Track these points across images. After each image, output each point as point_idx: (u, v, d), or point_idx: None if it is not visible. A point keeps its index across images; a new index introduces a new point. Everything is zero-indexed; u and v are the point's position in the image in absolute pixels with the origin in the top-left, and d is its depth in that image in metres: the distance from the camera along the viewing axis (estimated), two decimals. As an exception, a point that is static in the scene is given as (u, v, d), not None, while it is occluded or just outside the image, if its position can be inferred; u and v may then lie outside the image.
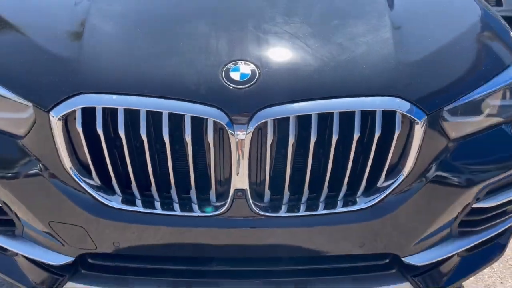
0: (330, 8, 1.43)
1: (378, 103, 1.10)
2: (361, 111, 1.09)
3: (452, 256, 1.37)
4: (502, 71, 1.30)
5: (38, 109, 1.11)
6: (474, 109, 1.25)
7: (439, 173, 1.21)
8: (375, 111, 1.09)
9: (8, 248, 1.30)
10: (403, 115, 1.11)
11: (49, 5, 1.42)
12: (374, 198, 1.18)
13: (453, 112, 1.21)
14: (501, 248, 1.49)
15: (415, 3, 1.52)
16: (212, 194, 1.15)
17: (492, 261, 1.50)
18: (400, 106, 1.10)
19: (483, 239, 1.38)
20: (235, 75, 1.09)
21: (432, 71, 1.21)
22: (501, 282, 1.86)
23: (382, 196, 1.17)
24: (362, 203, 1.18)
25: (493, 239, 1.46)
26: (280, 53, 1.18)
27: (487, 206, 1.31)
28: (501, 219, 1.39)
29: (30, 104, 1.12)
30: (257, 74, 1.09)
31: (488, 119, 1.27)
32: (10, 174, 1.19)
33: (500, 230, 1.42)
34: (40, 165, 1.15)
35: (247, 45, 1.16)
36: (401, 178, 1.17)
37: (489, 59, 1.32)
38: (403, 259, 1.28)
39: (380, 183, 1.18)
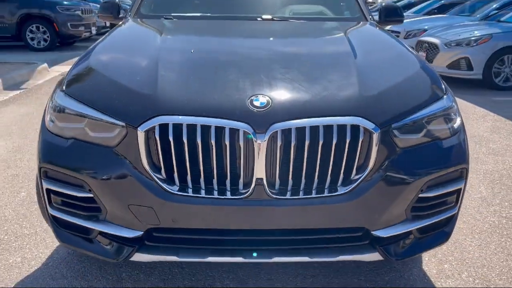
0: (314, 61, 2.11)
1: (349, 120, 1.70)
2: (338, 126, 1.69)
3: (409, 234, 1.92)
4: (432, 103, 1.92)
5: (130, 126, 1.70)
6: (414, 129, 1.85)
7: (392, 169, 1.78)
8: (346, 125, 1.70)
9: (95, 228, 1.84)
10: (364, 128, 1.71)
11: (132, 58, 2.09)
12: (349, 186, 1.75)
13: (399, 130, 1.81)
14: (446, 235, 2.03)
15: (372, 54, 2.21)
16: (240, 183, 1.72)
17: (439, 244, 2.03)
18: (362, 122, 1.71)
19: (430, 222, 1.93)
20: (257, 103, 1.70)
21: (384, 101, 1.82)
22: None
23: (354, 185, 1.74)
24: (341, 190, 1.75)
25: (439, 227, 2.01)
26: (284, 90, 1.80)
27: (429, 195, 1.87)
28: (443, 208, 1.95)
29: (124, 124, 1.71)
30: (270, 102, 1.71)
31: (425, 137, 1.87)
32: (104, 173, 1.76)
33: (443, 217, 1.97)
34: (127, 164, 1.73)
35: (263, 85, 1.79)
36: (366, 172, 1.74)
37: (424, 95, 1.94)
38: (372, 232, 1.83)
39: (353, 176, 1.75)
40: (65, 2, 11.65)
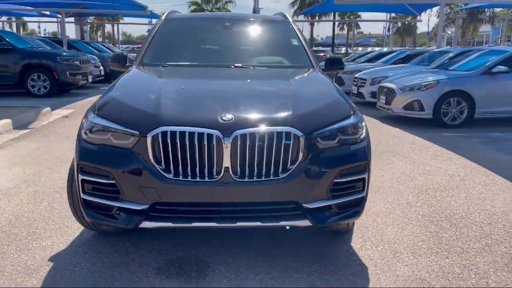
0: (266, 93, 3.11)
1: (284, 129, 2.62)
2: (277, 133, 2.62)
3: (330, 208, 2.80)
4: (343, 120, 2.86)
5: (142, 134, 2.60)
6: (330, 137, 2.77)
7: (315, 162, 2.69)
8: (282, 132, 2.62)
9: (115, 205, 2.69)
10: (294, 135, 2.64)
11: (141, 90, 3.05)
12: (286, 173, 2.64)
13: (320, 137, 2.74)
14: (358, 213, 2.91)
15: (306, 88, 3.21)
16: (214, 171, 2.61)
17: (353, 218, 2.91)
18: (293, 131, 2.63)
19: (344, 200, 2.81)
20: (225, 118, 2.62)
21: (309, 118, 2.76)
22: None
23: (289, 172, 2.64)
24: (281, 175, 2.64)
25: (353, 206, 2.90)
26: (243, 110, 2.73)
27: (342, 181, 2.76)
28: (353, 190, 2.84)
29: (138, 133, 2.62)
30: (233, 118, 2.63)
31: (338, 142, 2.80)
32: (124, 166, 2.64)
33: (353, 198, 2.86)
34: (139, 159, 2.62)
35: (230, 107, 2.73)
36: (297, 163, 2.64)
37: (337, 115, 2.89)
38: (303, 204, 2.72)
39: (289, 166, 2.65)
40: (64, 53, 12.78)
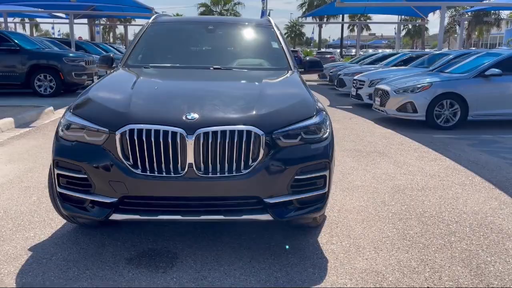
0: (233, 93, 3.28)
1: (245, 128, 2.78)
2: (238, 131, 2.77)
3: (291, 203, 2.95)
4: (306, 120, 3.01)
5: (111, 132, 2.78)
6: (293, 136, 2.92)
7: (276, 160, 2.84)
8: (243, 131, 2.78)
9: (87, 198, 2.87)
10: (255, 133, 2.79)
11: (116, 91, 3.22)
12: (248, 169, 2.80)
13: (282, 136, 2.89)
14: (320, 208, 3.05)
15: (276, 89, 3.37)
16: (179, 167, 2.77)
17: (314, 214, 3.04)
18: (254, 129, 2.78)
19: (305, 196, 2.95)
20: (189, 117, 2.78)
21: (270, 117, 2.90)
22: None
23: (251, 168, 2.79)
24: (243, 171, 2.80)
25: (314, 201, 3.04)
26: (207, 110, 2.89)
27: (302, 177, 2.91)
28: (314, 187, 2.98)
29: (108, 130, 2.80)
30: (197, 117, 2.80)
31: (300, 141, 2.95)
32: (95, 161, 2.82)
33: (315, 194, 3.00)
34: (109, 155, 2.79)
35: (195, 107, 2.90)
36: (257, 160, 2.80)
37: (300, 115, 3.03)
38: (264, 199, 2.87)
39: (250, 163, 2.81)
40: (70, 54, 13.08)
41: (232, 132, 2.76)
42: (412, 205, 4.17)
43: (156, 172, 2.77)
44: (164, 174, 2.77)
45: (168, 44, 4.58)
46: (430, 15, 27.04)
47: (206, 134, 2.74)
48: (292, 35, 75.00)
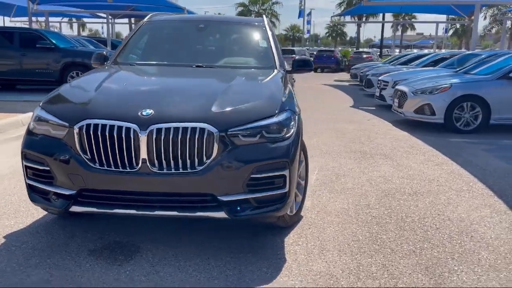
0: (196, 91, 3.32)
1: (199, 125, 2.80)
2: (191, 128, 2.78)
3: (247, 202, 2.93)
4: (266, 119, 2.98)
5: (70, 126, 2.87)
6: (251, 134, 2.90)
7: (230, 157, 2.83)
8: (196, 128, 2.79)
9: (50, 190, 2.98)
10: (208, 131, 2.80)
11: (86, 87, 3.32)
12: (202, 166, 2.81)
13: (239, 134, 2.87)
14: (279, 208, 3.01)
15: (244, 87, 3.35)
16: (133, 162, 2.82)
17: (273, 213, 3.00)
18: (207, 127, 2.79)
19: (263, 195, 2.93)
20: (144, 113, 2.83)
21: (226, 115, 2.90)
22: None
23: (205, 165, 2.80)
24: (198, 168, 2.81)
25: (274, 201, 3.01)
26: (164, 107, 2.93)
27: (258, 176, 2.89)
28: (272, 186, 2.95)
29: (67, 125, 2.89)
30: (152, 113, 2.84)
31: (260, 139, 2.92)
32: (56, 154, 2.92)
33: (274, 193, 2.97)
34: (69, 149, 2.89)
35: (152, 104, 2.93)
36: (212, 158, 2.81)
37: (261, 114, 3.00)
38: (218, 197, 2.87)
39: (204, 160, 2.82)
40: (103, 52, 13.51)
41: (184, 129, 2.78)
42: (397, 210, 4.03)
43: (112, 167, 2.83)
44: (119, 169, 2.83)
45: (157, 42, 4.67)
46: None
47: (159, 130, 2.77)
48: (333, 35, 74.12)
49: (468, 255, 3.16)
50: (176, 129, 2.78)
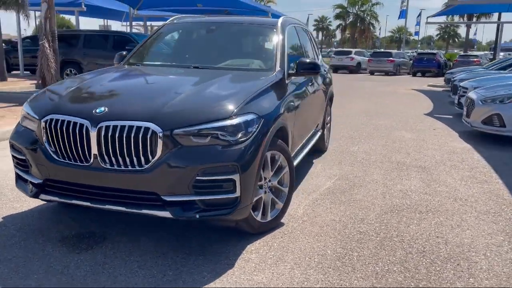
0: (167, 88, 3.40)
1: (143, 124, 2.84)
2: (136, 127, 2.84)
3: (194, 203, 2.91)
4: (218, 122, 2.93)
5: (39, 120, 3.11)
6: (201, 135, 2.87)
7: (175, 158, 2.83)
8: (141, 127, 2.84)
9: (27, 178, 3.26)
10: (153, 130, 2.83)
11: (78, 80, 3.58)
12: (147, 164, 2.86)
13: (186, 134, 2.86)
14: (228, 212, 2.94)
15: (213, 89, 3.34)
16: (87, 156, 2.96)
17: (221, 216, 2.94)
18: (152, 126, 2.83)
19: (210, 198, 2.89)
20: (98, 111, 2.95)
21: (173, 116, 2.91)
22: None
23: (149, 164, 2.84)
24: (144, 166, 2.87)
25: (223, 204, 2.94)
26: (119, 106, 3.03)
27: (204, 179, 2.85)
28: (220, 190, 2.89)
29: (37, 119, 3.13)
30: (105, 110, 2.95)
31: (210, 140, 2.88)
32: (29, 145, 3.18)
33: (222, 197, 2.90)
34: (37, 141, 3.13)
35: (109, 103, 3.05)
36: (156, 157, 2.84)
37: (215, 113, 2.96)
38: (162, 196, 2.89)
39: (150, 158, 2.86)
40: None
41: (130, 127, 2.86)
42: (391, 228, 3.68)
43: (71, 160, 3.01)
44: (77, 162, 2.99)
45: (168, 43, 4.82)
46: None
47: (107, 127, 2.88)
48: (446, 37, 69.24)
49: (441, 283, 2.78)
50: (123, 127, 2.86)
